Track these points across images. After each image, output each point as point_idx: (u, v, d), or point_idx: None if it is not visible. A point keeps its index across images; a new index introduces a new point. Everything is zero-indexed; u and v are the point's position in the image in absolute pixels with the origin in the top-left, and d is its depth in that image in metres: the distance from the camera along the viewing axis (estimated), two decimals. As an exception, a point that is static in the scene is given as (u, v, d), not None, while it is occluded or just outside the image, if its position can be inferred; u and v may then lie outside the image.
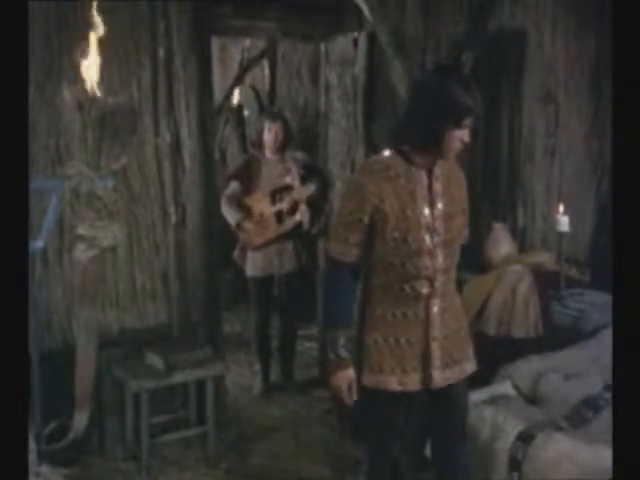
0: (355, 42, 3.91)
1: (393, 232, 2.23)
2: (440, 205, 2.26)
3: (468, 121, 2.19)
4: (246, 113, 5.96)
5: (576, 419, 2.76)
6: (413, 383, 2.33)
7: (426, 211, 2.24)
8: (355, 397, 2.32)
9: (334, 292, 2.33)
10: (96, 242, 3.41)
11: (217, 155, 5.18)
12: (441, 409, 2.44)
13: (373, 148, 3.81)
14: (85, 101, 3.34)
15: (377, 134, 3.94)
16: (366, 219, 2.23)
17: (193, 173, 3.68)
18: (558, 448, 2.56)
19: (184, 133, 3.63)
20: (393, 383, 2.32)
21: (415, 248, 2.23)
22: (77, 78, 3.29)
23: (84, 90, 3.33)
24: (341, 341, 2.30)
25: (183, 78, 3.60)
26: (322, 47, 4.34)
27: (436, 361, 2.32)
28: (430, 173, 2.27)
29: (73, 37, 3.27)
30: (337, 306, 2.32)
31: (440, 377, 2.34)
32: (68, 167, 3.34)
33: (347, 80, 3.99)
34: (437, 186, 2.28)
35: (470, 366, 2.45)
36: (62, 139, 3.34)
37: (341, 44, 4.03)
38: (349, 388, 2.32)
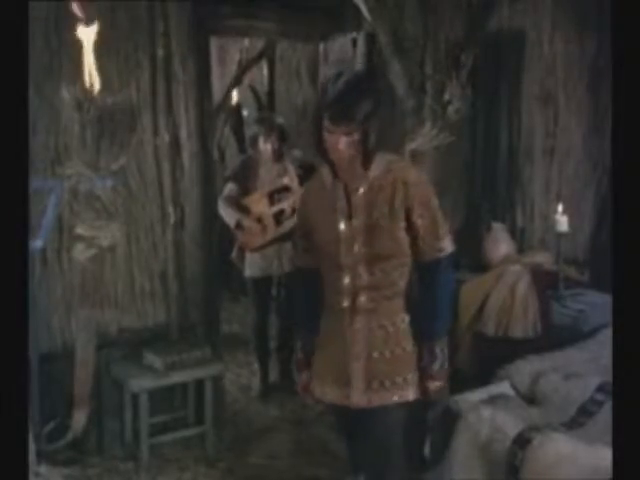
0: (354, 42, 3.91)
1: (318, 244, 2.25)
2: (359, 219, 2.17)
3: (327, 123, 2.09)
4: (245, 113, 5.96)
5: (573, 425, 2.76)
6: (333, 397, 2.30)
7: (342, 225, 2.18)
8: (310, 399, 2.42)
9: (298, 296, 2.41)
10: (95, 242, 3.40)
11: (216, 155, 5.18)
12: (362, 430, 2.32)
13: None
14: (84, 101, 3.33)
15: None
16: (303, 229, 2.31)
17: (192, 173, 3.68)
18: (557, 449, 2.55)
19: (183, 133, 3.63)
20: (317, 391, 2.35)
21: (335, 262, 2.19)
22: (76, 78, 3.28)
23: (83, 90, 3.32)
24: (300, 343, 2.40)
25: (182, 78, 3.59)
26: (321, 47, 4.34)
27: (357, 381, 2.23)
28: (353, 185, 2.20)
29: (72, 37, 3.26)
30: (305, 311, 2.37)
31: (361, 398, 2.23)
32: (67, 167, 3.33)
33: (346, 80, 3.98)
34: (357, 198, 2.18)
35: (412, 393, 2.26)
36: (61, 139, 3.34)
37: (340, 44, 4.03)
38: (304, 390, 2.42)
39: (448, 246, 2.22)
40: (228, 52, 5.82)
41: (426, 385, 2.26)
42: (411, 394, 2.26)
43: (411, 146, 3.36)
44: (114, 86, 3.40)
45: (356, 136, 2.07)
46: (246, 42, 5.61)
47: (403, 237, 2.17)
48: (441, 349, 2.25)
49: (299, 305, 2.40)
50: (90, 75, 3.29)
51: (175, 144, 3.61)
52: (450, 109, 3.41)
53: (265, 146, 4.12)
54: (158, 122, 3.56)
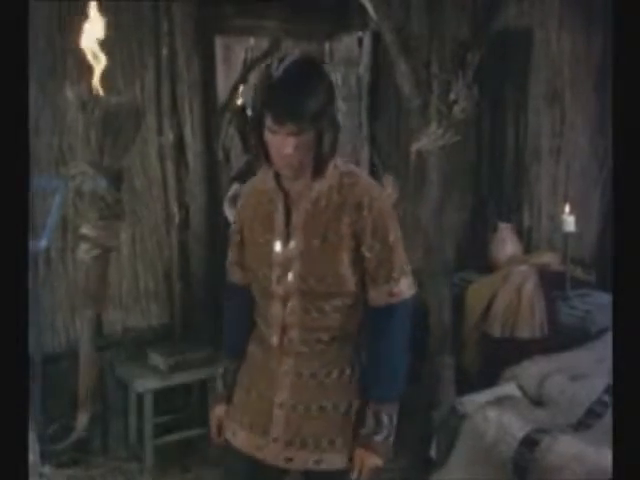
0: (359, 41, 3.90)
1: (250, 264, 1.86)
2: (297, 242, 1.75)
3: (270, 122, 1.66)
4: (250, 113, 5.94)
5: (580, 427, 2.74)
6: (245, 444, 1.87)
7: (277, 246, 1.77)
8: (223, 437, 1.97)
9: (226, 315, 2.01)
10: (99, 242, 3.38)
11: (220, 155, 5.16)
12: None
13: (377, 148, 3.80)
14: (88, 101, 3.31)
15: (381, 134, 3.92)
16: (238, 238, 1.91)
17: (196, 173, 3.67)
18: (564, 451, 2.54)
19: (187, 133, 3.62)
20: (229, 431, 1.94)
21: (265, 288, 1.80)
22: (80, 78, 3.28)
23: (87, 90, 3.31)
24: (220, 370, 1.99)
25: (186, 78, 3.58)
26: (326, 46, 4.33)
27: (276, 432, 1.81)
28: (296, 197, 1.78)
29: (76, 36, 3.25)
30: (227, 333, 1.99)
31: (277, 455, 1.82)
32: (71, 167, 3.31)
33: (351, 80, 3.98)
34: (298, 216, 1.76)
35: (340, 461, 1.81)
36: (65, 139, 3.33)
37: (345, 43, 4.02)
38: (218, 426, 1.99)
39: (405, 290, 1.78)
40: (233, 51, 5.80)
41: (361, 458, 1.80)
42: (338, 462, 1.81)
43: (416, 146, 3.34)
44: (118, 86, 3.39)
45: (307, 137, 1.65)
46: (251, 41, 5.58)
47: (348, 273, 1.75)
48: (389, 417, 1.80)
49: (224, 324, 2.00)
50: (94, 75, 3.28)
51: (180, 144, 3.60)
52: (456, 109, 3.39)
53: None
54: (163, 122, 3.55)
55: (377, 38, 3.83)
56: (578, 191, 4.11)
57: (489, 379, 3.19)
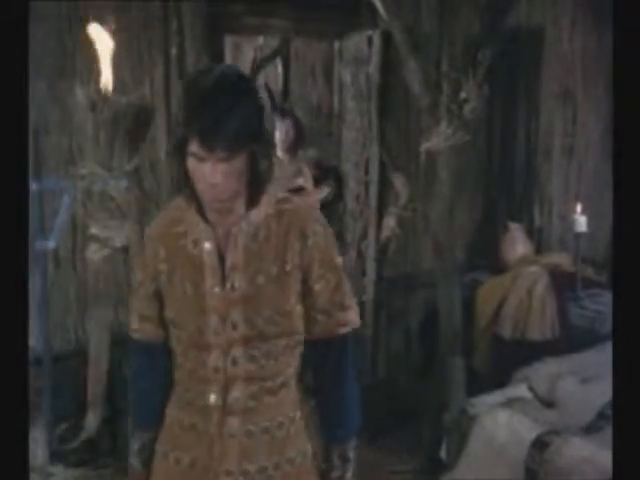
0: (369, 40, 3.87)
1: (171, 313, 1.60)
2: (238, 283, 1.53)
3: (196, 147, 1.41)
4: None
5: (592, 429, 2.72)
6: None
7: (213, 293, 1.53)
8: None
9: (135, 379, 1.73)
10: (109, 242, 3.39)
11: (230, 154, 5.15)
12: None
13: (387, 148, 3.78)
14: (97, 100, 3.32)
15: (391, 133, 3.90)
16: (151, 289, 1.64)
17: (206, 173, 3.65)
18: (576, 453, 2.53)
19: (197, 133, 3.61)
20: None
21: (197, 340, 1.56)
22: (89, 78, 3.28)
23: (96, 89, 3.31)
24: (136, 445, 1.72)
25: (196, 77, 3.57)
26: (336, 45, 4.31)
27: None
28: (227, 233, 1.54)
29: (86, 36, 3.25)
30: (138, 399, 1.73)
31: None
32: (80, 167, 3.32)
33: (361, 79, 3.96)
34: (235, 254, 1.53)
35: None
36: (74, 139, 3.34)
37: (355, 42, 3.99)
38: None
39: (354, 319, 1.65)
40: (242, 50, 5.79)
41: None
42: None
43: (426, 145, 3.33)
44: (128, 86, 3.39)
45: (239, 162, 1.43)
46: (260, 40, 5.58)
47: (296, 308, 1.58)
48: (353, 450, 1.71)
49: (134, 390, 1.73)
50: (104, 75, 3.28)
51: (189, 144, 3.58)
52: (466, 108, 3.37)
53: (280, 134, 4.10)
54: (172, 121, 3.54)
55: (387, 37, 3.81)
56: (590, 190, 4.08)
57: (500, 380, 3.18)
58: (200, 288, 1.54)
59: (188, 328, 1.57)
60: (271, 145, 1.64)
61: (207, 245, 1.55)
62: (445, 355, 3.11)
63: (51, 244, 3.12)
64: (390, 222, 3.79)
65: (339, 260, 1.64)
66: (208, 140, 1.39)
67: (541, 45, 3.95)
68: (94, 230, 3.37)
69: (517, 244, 3.79)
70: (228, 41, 4.76)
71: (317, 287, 1.59)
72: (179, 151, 1.47)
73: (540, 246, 4.02)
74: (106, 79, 3.28)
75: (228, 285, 1.53)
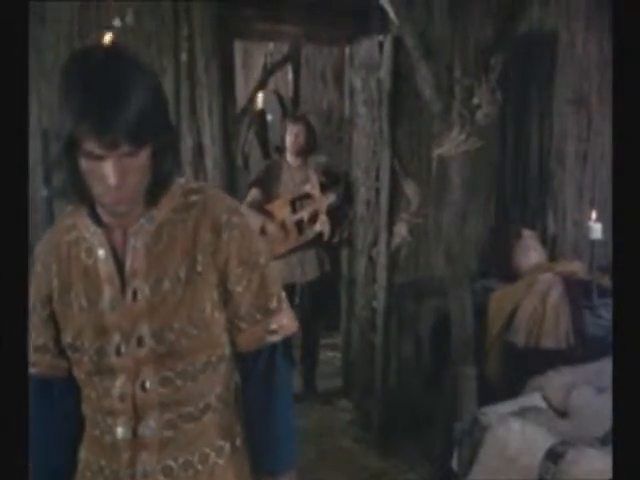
0: (380, 45, 3.85)
1: (68, 337, 1.35)
2: (140, 291, 1.31)
3: (92, 144, 1.18)
4: (269, 118, 5.93)
5: (608, 440, 2.67)
6: None
7: (111, 306, 1.32)
8: None
9: (34, 425, 1.35)
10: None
11: (240, 160, 5.15)
12: None
13: (398, 154, 3.75)
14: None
15: (402, 139, 3.87)
16: (44, 314, 1.38)
17: (215, 178, 3.64)
18: (591, 465, 2.48)
19: (206, 138, 3.60)
20: None
21: (99, 365, 1.33)
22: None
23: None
24: None
25: (206, 82, 3.57)
26: (347, 51, 4.30)
27: None
28: (123, 234, 1.33)
29: (96, 41, 3.25)
30: (41, 448, 1.40)
31: None
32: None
33: (372, 84, 3.93)
34: (134, 257, 1.31)
35: None
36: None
37: (366, 47, 3.97)
38: None
39: (287, 324, 1.42)
40: (252, 56, 5.80)
41: None
42: None
43: (438, 151, 3.30)
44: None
45: (142, 159, 1.23)
46: (271, 46, 5.58)
47: (215, 316, 1.34)
48: None
49: (34, 438, 1.35)
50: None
51: (198, 149, 3.58)
52: (479, 113, 3.34)
53: (290, 138, 4.10)
54: (181, 127, 3.53)
55: (398, 42, 3.78)
56: (605, 197, 4.03)
57: (512, 389, 3.14)
58: (98, 303, 1.32)
59: (88, 351, 1.32)
60: (175, 136, 1.38)
61: (101, 252, 1.33)
62: (457, 363, 3.08)
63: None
64: (401, 229, 3.76)
65: (263, 256, 1.39)
66: (107, 133, 1.16)
67: (554, 50, 3.91)
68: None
69: (530, 251, 3.75)
70: (238, 47, 4.77)
71: (237, 290, 1.36)
72: (67, 154, 1.22)
73: (554, 253, 3.98)
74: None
75: (129, 295, 1.31)
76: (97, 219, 1.34)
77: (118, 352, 1.32)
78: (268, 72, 5.57)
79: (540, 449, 2.59)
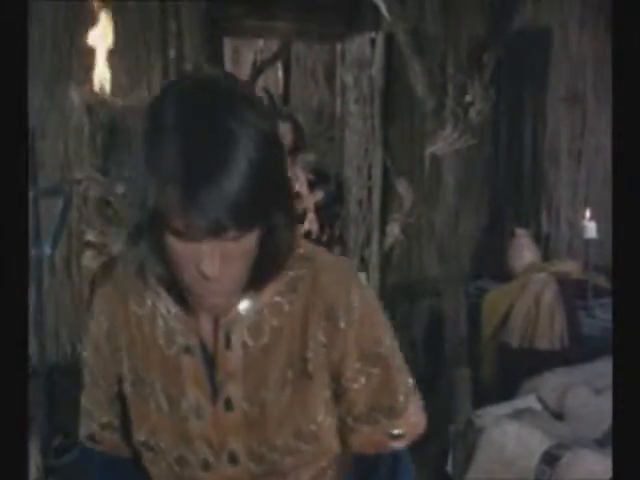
0: (372, 42, 3.83)
1: (141, 436, 1.10)
2: (234, 400, 1.04)
3: (176, 222, 0.89)
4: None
5: (606, 442, 2.65)
6: None
7: (199, 413, 1.06)
8: None
9: None
10: (105, 249, 3.34)
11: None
12: None
13: (390, 152, 3.73)
14: (94, 104, 3.28)
15: (395, 137, 3.85)
16: (110, 388, 1.14)
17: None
18: (588, 467, 2.47)
19: (195, 136, 3.56)
20: None
21: (181, 475, 1.10)
22: (86, 80, 3.23)
23: (93, 93, 3.26)
24: None
25: (195, 80, 3.53)
26: (338, 48, 4.28)
27: None
28: (216, 324, 1.03)
29: (82, 39, 3.22)
30: None
31: None
32: (77, 172, 3.28)
33: (364, 82, 3.90)
34: (230, 358, 1.04)
35: None
36: (71, 143, 3.31)
37: (357, 44, 3.95)
38: None
39: (414, 427, 1.14)
40: (242, 53, 5.77)
41: None
42: None
43: (431, 150, 3.27)
44: (125, 88, 3.35)
45: (250, 241, 0.93)
46: (261, 43, 5.55)
47: (327, 423, 1.08)
48: None
49: None
50: (101, 77, 3.23)
51: (188, 148, 3.54)
52: (472, 111, 3.32)
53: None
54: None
55: (390, 39, 3.77)
56: (600, 196, 4.01)
57: (507, 391, 3.13)
58: (180, 405, 1.06)
59: (166, 456, 1.08)
60: (295, 207, 1.06)
61: (186, 343, 1.04)
62: (450, 364, 3.06)
63: (47, 251, 3.05)
64: (394, 228, 3.74)
65: (388, 340, 1.12)
66: (205, 216, 0.86)
67: (548, 47, 3.92)
68: (90, 236, 3.32)
69: (524, 251, 3.74)
70: (227, 44, 4.73)
71: (354, 387, 1.08)
72: (150, 225, 0.92)
73: (548, 253, 3.98)
74: (103, 82, 3.23)
75: (220, 403, 1.04)
76: (180, 298, 1.03)
77: (206, 467, 1.07)
78: (258, 70, 5.54)
79: (536, 452, 2.58)
